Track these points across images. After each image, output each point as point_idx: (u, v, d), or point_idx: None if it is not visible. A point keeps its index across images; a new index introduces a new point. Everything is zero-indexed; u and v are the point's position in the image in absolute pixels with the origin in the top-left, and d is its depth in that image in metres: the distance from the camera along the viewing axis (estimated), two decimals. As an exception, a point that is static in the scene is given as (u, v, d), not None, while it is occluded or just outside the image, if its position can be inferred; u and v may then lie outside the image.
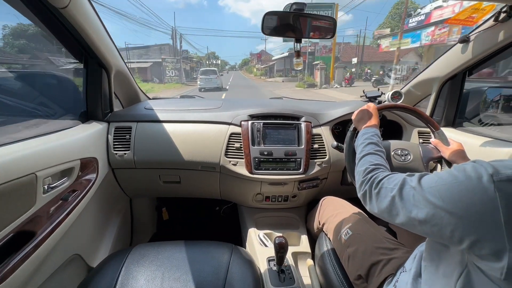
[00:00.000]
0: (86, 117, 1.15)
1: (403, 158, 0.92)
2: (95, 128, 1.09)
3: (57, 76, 1.13)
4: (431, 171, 1.19)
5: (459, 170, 0.45)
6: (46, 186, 0.77)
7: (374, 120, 0.89)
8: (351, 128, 0.98)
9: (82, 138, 0.98)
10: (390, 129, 1.38)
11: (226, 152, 1.18)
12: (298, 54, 0.94)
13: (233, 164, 1.17)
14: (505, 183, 0.39)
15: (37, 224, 0.74)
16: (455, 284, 0.46)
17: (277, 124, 1.22)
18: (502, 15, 0.86)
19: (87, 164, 0.99)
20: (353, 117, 0.96)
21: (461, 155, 0.86)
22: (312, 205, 1.32)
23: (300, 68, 1.02)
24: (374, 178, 0.63)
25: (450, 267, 0.48)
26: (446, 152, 0.89)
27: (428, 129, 1.15)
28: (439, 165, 0.96)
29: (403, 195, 0.52)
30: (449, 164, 0.89)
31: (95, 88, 1.13)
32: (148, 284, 0.76)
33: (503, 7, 0.86)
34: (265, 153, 1.16)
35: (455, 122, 1.28)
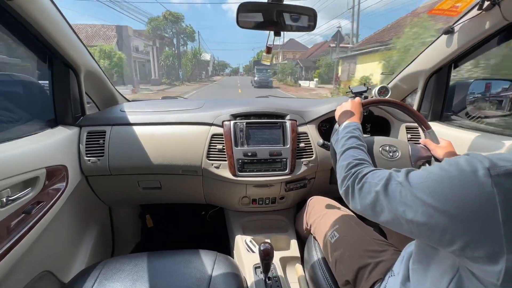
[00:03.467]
0: (55, 121, 1.07)
1: (391, 154, 0.88)
2: (64, 134, 1.01)
3: (22, 78, 1.05)
4: None
5: (451, 163, 0.41)
6: (4, 199, 0.69)
7: (357, 116, 0.86)
8: (337, 125, 0.94)
9: (48, 144, 0.90)
10: (378, 125, 1.35)
11: (208, 154, 1.11)
12: (269, 49, 0.89)
13: (215, 167, 1.11)
14: (504, 177, 0.35)
15: None
16: None
17: (261, 123, 1.17)
18: (486, 3, 0.83)
19: (55, 173, 0.91)
20: (336, 112, 0.93)
21: (451, 153, 0.82)
22: (301, 205, 1.27)
23: (268, 63, 0.97)
24: (358, 173, 0.59)
25: (440, 271, 0.44)
26: (436, 150, 0.85)
27: (416, 124, 1.13)
28: (427, 165, 0.93)
29: (389, 191, 0.48)
30: (439, 162, 0.86)
31: (63, 91, 1.04)
32: None
33: None
34: (249, 154, 1.10)
35: (442, 116, 1.26)
